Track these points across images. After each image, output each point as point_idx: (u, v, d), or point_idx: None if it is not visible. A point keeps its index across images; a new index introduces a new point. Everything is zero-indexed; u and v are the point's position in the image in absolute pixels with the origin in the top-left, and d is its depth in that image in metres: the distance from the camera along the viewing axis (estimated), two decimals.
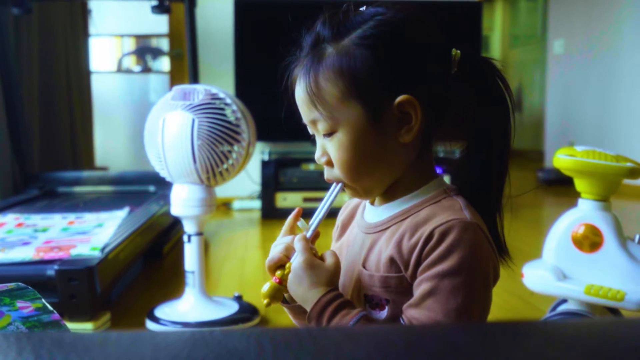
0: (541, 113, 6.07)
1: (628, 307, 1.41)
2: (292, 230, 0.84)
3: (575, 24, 5.21)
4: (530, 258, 1.58)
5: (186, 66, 3.39)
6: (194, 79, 3.15)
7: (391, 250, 0.75)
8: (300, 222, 0.83)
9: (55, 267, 1.73)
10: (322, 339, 0.36)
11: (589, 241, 1.46)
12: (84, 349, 0.34)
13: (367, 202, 0.84)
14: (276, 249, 0.82)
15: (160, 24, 4.73)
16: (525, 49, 7.47)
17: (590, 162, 1.42)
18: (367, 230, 0.81)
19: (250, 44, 3.82)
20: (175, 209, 1.84)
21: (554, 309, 1.57)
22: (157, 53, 5.36)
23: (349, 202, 0.86)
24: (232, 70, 3.87)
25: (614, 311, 1.52)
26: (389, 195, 0.80)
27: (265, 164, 3.72)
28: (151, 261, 2.64)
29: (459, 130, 0.82)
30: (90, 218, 2.44)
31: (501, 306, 1.91)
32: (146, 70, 5.35)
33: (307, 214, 0.82)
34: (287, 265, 0.79)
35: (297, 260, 0.77)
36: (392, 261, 0.75)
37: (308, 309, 0.76)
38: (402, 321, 0.73)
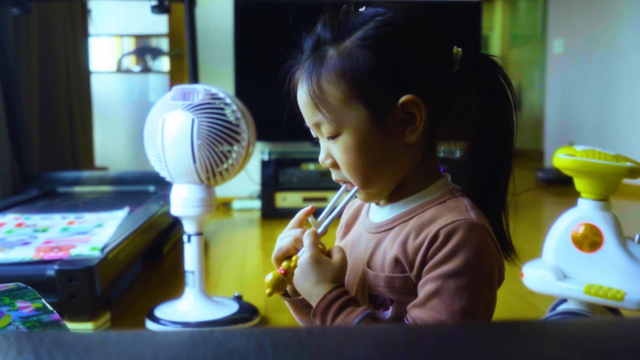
0: (541, 113, 6.07)
1: (628, 307, 1.41)
2: (301, 224, 0.83)
3: (575, 24, 5.21)
4: (530, 258, 1.58)
5: (186, 66, 3.39)
6: (194, 78, 3.15)
7: (396, 251, 0.75)
8: (311, 218, 0.83)
9: (55, 267, 1.73)
10: (322, 339, 0.36)
11: (589, 241, 1.46)
12: (84, 349, 0.34)
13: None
14: (284, 241, 0.81)
15: (160, 24, 4.73)
16: (525, 49, 7.47)
17: (590, 162, 1.42)
18: (372, 230, 0.81)
19: (250, 44, 3.82)
20: (175, 209, 1.84)
21: (553, 308, 1.57)
22: (156, 53, 5.36)
23: (353, 201, 0.86)
24: (231, 70, 3.87)
25: (614, 311, 1.52)
26: (394, 196, 0.80)
27: (265, 164, 3.72)
28: (151, 261, 2.64)
29: (463, 129, 0.82)
30: (90, 218, 2.44)
31: (501, 306, 1.90)
32: (146, 70, 5.35)
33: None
34: (294, 257, 0.79)
35: (304, 256, 0.77)
36: (397, 261, 0.75)
37: (313, 305, 0.76)
38: (406, 321, 0.73)
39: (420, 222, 0.75)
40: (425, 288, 0.71)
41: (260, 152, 3.70)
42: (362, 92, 0.74)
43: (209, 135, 1.72)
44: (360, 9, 0.77)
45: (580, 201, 1.50)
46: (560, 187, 4.42)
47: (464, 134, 0.81)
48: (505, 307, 1.90)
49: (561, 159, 1.47)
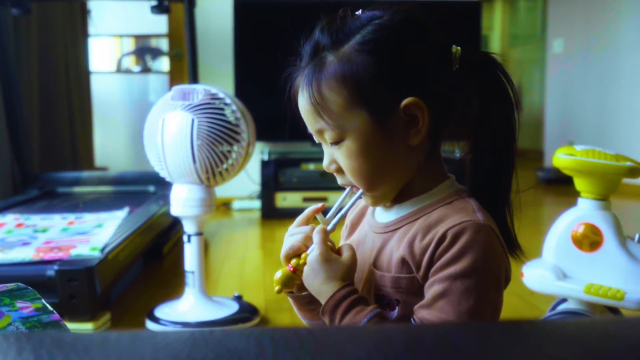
0: (541, 112, 6.07)
1: (628, 306, 1.41)
2: (309, 222, 0.83)
3: (574, 24, 5.21)
4: (530, 257, 1.58)
5: (186, 66, 3.39)
6: (194, 79, 3.15)
7: (403, 251, 0.75)
8: (319, 216, 0.83)
9: (55, 267, 1.73)
10: (322, 339, 0.36)
11: (589, 240, 1.46)
12: (84, 349, 0.34)
13: None
14: (294, 238, 0.81)
15: (159, 24, 4.73)
16: (525, 49, 7.47)
17: (590, 162, 1.42)
18: (378, 230, 0.81)
19: (250, 44, 3.82)
20: (175, 209, 1.84)
21: (553, 308, 1.57)
22: (156, 53, 5.36)
23: (359, 201, 0.86)
24: (231, 70, 3.87)
25: (614, 310, 1.52)
26: (400, 197, 0.80)
27: (265, 164, 3.72)
28: (151, 261, 2.64)
29: (465, 128, 0.81)
30: (90, 218, 2.44)
31: None
32: (146, 70, 5.35)
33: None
34: (303, 255, 0.79)
35: (313, 253, 0.77)
36: (403, 262, 0.75)
37: (322, 302, 0.75)
38: (413, 322, 0.73)
39: (428, 222, 0.75)
40: (432, 289, 0.71)
41: (260, 152, 3.70)
42: (363, 97, 0.74)
43: (208, 135, 1.72)
44: (356, 13, 0.77)
45: (580, 201, 1.50)
46: (560, 187, 4.42)
47: (466, 133, 0.81)
48: (505, 307, 1.90)
49: (561, 158, 1.47)
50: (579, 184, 1.49)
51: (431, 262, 0.72)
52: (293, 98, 0.79)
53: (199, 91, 1.78)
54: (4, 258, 1.83)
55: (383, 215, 0.82)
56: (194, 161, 1.73)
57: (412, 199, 0.79)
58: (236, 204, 4.06)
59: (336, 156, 0.77)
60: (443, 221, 0.73)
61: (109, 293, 1.94)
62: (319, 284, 0.76)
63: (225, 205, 4.03)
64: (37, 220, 2.41)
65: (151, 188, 3.19)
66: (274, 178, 3.70)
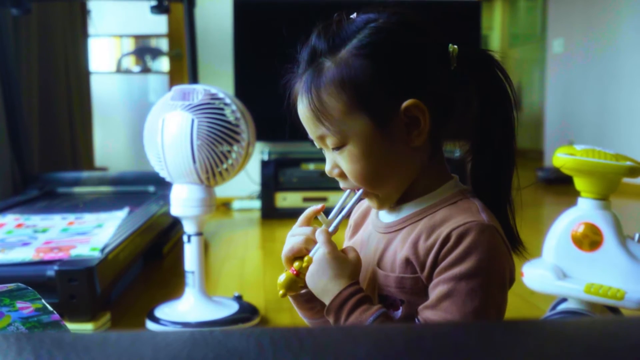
0: (540, 112, 6.07)
1: (628, 306, 1.41)
2: (309, 223, 0.83)
3: (574, 23, 5.21)
4: (530, 257, 1.58)
5: (185, 66, 3.39)
6: (194, 79, 3.15)
7: (407, 251, 0.75)
8: (320, 216, 0.83)
9: (55, 267, 1.73)
10: (322, 339, 0.36)
11: (589, 240, 1.46)
12: (84, 349, 0.34)
13: None
14: (294, 239, 0.81)
15: (159, 24, 4.73)
16: (525, 48, 7.48)
17: (590, 161, 1.42)
18: (382, 230, 0.81)
19: (250, 44, 3.82)
20: (175, 209, 1.84)
21: (554, 307, 1.57)
22: (156, 53, 5.36)
23: (361, 201, 0.86)
24: (231, 70, 3.87)
25: (614, 310, 1.52)
26: (404, 198, 0.80)
27: (264, 164, 3.72)
28: (151, 261, 2.64)
29: (465, 127, 0.81)
30: (90, 218, 2.44)
31: None
32: (145, 70, 5.34)
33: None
34: (306, 258, 0.79)
35: (320, 251, 0.77)
36: (407, 262, 0.75)
37: (328, 300, 0.75)
38: (417, 322, 0.73)
39: (432, 222, 0.75)
40: (437, 290, 0.71)
41: (260, 152, 3.70)
42: (363, 102, 0.73)
43: (208, 135, 1.72)
44: (351, 16, 0.77)
45: (580, 200, 1.50)
46: (560, 187, 4.42)
47: (466, 132, 0.81)
48: None
49: (561, 158, 1.47)
50: (579, 183, 1.49)
51: (435, 263, 0.72)
52: (292, 105, 0.79)
53: (199, 91, 1.78)
54: (4, 258, 1.83)
55: (387, 216, 0.82)
56: (194, 161, 1.73)
57: (416, 200, 0.79)
58: (236, 204, 4.06)
59: (338, 161, 0.77)
60: (447, 221, 0.73)
61: (109, 293, 1.94)
62: (326, 282, 0.76)
63: (225, 205, 4.03)
64: (37, 220, 2.41)
65: (151, 188, 3.19)
66: (274, 178, 3.70)
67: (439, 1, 4.07)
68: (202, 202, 1.82)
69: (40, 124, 3.76)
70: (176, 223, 2.78)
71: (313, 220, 0.83)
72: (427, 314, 0.72)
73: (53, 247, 1.92)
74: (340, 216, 0.81)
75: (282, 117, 0.81)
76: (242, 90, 3.68)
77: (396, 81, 0.74)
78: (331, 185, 0.81)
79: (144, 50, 5.39)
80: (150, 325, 1.85)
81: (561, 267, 1.49)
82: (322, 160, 0.81)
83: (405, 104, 0.73)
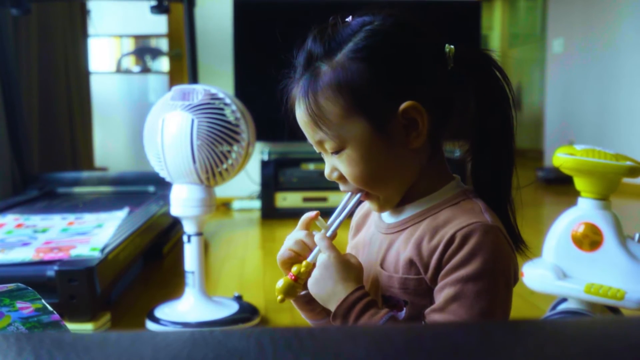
0: (540, 112, 6.07)
1: (628, 306, 1.41)
2: (307, 228, 0.83)
3: (574, 23, 5.21)
4: (532, 256, 1.58)
5: (185, 66, 3.39)
6: (193, 79, 3.15)
7: (410, 252, 0.75)
8: (319, 221, 0.83)
9: (55, 267, 1.73)
10: (322, 339, 0.36)
11: (589, 240, 1.46)
12: (84, 350, 0.34)
13: None
14: (287, 243, 0.81)
15: (159, 24, 4.73)
16: (525, 48, 7.48)
17: (590, 161, 1.42)
18: (384, 231, 0.81)
19: (250, 44, 3.82)
20: (175, 209, 1.84)
21: (554, 307, 1.57)
22: (156, 53, 5.36)
23: (363, 202, 0.86)
24: (231, 70, 3.87)
25: (614, 310, 1.52)
26: (405, 199, 0.79)
27: (264, 164, 3.72)
28: (151, 261, 2.64)
29: (464, 127, 0.81)
30: (89, 218, 2.44)
31: None
32: (145, 70, 5.34)
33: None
34: (304, 263, 0.78)
35: (325, 256, 0.76)
36: (411, 263, 0.75)
37: (334, 305, 0.75)
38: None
39: (435, 223, 0.75)
40: (443, 292, 0.71)
41: (260, 152, 3.70)
42: (361, 105, 0.73)
43: (208, 135, 1.72)
44: (347, 19, 0.77)
45: (580, 200, 1.50)
46: (560, 187, 4.42)
47: (465, 132, 0.81)
48: None
49: (561, 158, 1.47)
50: (579, 183, 1.49)
51: (440, 264, 0.72)
52: (290, 110, 0.79)
53: (199, 91, 1.78)
54: (4, 258, 1.83)
55: (389, 216, 0.82)
56: (194, 161, 1.73)
57: (418, 200, 0.79)
58: (236, 204, 4.06)
59: (337, 165, 0.77)
60: (451, 222, 0.73)
61: (109, 293, 1.94)
62: (333, 286, 0.75)
63: (225, 205, 4.03)
64: (37, 220, 2.41)
65: (151, 188, 3.19)
66: (274, 178, 3.70)
67: (439, 1, 4.07)
68: (202, 202, 1.82)
69: (40, 124, 3.76)
70: (176, 223, 2.78)
71: (312, 225, 0.83)
72: (435, 317, 0.72)
73: (53, 247, 1.92)
74: (338, 221, 0.81)
75: (282, 117, 0.81)
76: (242, 90, 3.68)
77: (393, 83, 0.74)
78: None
79: (143, 50, 5.39)
80: (150, 325, 1.85)
81: (561, 267, 1.49)
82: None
83: (403, 106, 0.73)
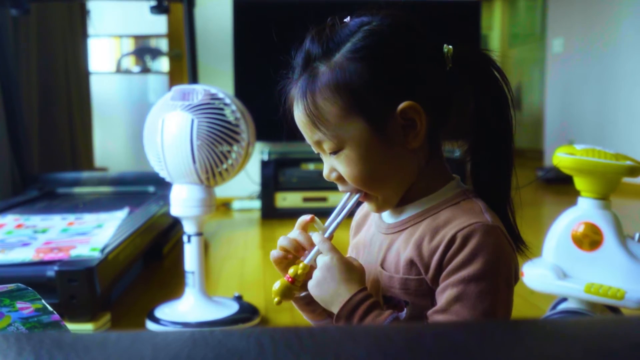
0: (540, 112, 6.07)
1: (628, 306, 1.41)
2: (304, 228, 0.83)
3: (574, 23, 5.21)
4: (532, 255, 1.58)
5: (185, 66, 3.39)
6: (193, 79, 3.15)
7: (410, 252, 0.75)
8: (316, 223, 0.83)
9: (55, 268, 1.73)
10: (322, 339, 0.36)
11: (589, 240, 1.46)
12: (84, 350, 0.34)
13: None
14: (280, 241, 0.81)
15: (159, 24, 4.73)
16: (525, 48, 7.47)
17: (590, 161, 1.42)
18: (384, 231, 0.81)
19: (249, 44, 3.82)
20: (175, 210, 1.84)
21: (554, 307, 1.57)
22: (156, 53, 5.36)
23: (363, 203, 0.86)
24: (231, 70, 3.87)
25: (614, 309, 1.52)
26: (405, 199, 0.79)
27: (264, 164, 3.72)
28: (151, 262, 2.64)
29: (463, 126, 0.81)
30: (89, 219, 2.44)
31: None
32: (145, 70, 5.35)
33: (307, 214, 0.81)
34: (301, 265, 0.78)
35: (328, 258, 0.76)
36: (411, 263, 0.75)
37: (337, 307, 0.75)
38: None
39: (435, 224, 0.74)
40: (445, 293, 0.71)
41: (260, 152, 3.70)
42: (359, 105, 0.73)
43: (208, 135, 1.72)
44: (345, 20, 0.77)
45: (580, 200, 1.50)
46: (560, 186, 4.42)
47: (464, 131, 0.80)
48: None
49: (561, 157, 1.47)
50: (579, 183, 1.49)
51: (441, 265, 0.72)
52: (288, 111, 0.79)
53: (199, 91, 1.78)
54: (4, 259, 1.83)
55: (389, 216, 0.82)
56: (194, 161, 1.73)
57: (418, 200, 0.78)
58: (236, 204, 4.06)
59: (336, 165, 0.77)
60: (451, 222, 0.73)
61: (109, 293, 1.94)
62: (337, 287, 0.75)
63: (225, 206, 4.03)
64: (37, 220, 2.41)
65: (151, 188, 3.19)
66: (274, 178, 3.70)
67: (439, 1, 4.07)
68: (202, 202, 1.82)
69: (40, 124, 3.76)
70: (176, 223, 2.78)
71: (310, 227, 0.83)
72: (437, 318, 0.72)
73: (53, 247, 1.92)
74: (336, 222, 0.81)
75: (280, 118, 0.81)
76: (242, 90, 3.68)
77: (391, 84, 0.74)
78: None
79: (143, 51, 5.39)
80: (150, 325, 1.85)
81: (561, 267, 1.49)
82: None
83: (401, 106, 0.73)
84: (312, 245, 0.80)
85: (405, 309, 0.76)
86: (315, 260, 0.79)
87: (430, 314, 0.73)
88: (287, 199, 3.69)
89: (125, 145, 5.07)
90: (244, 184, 3.90)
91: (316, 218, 0.83)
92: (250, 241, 3.26)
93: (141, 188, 3.22)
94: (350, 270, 0.76)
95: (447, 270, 0.71)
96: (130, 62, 5.43)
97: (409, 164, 0.77)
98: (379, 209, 0.81)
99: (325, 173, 0.79)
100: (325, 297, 0.77)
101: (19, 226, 2.31)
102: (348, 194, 0.81)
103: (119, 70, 5.33)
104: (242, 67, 3.83)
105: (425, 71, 0.76)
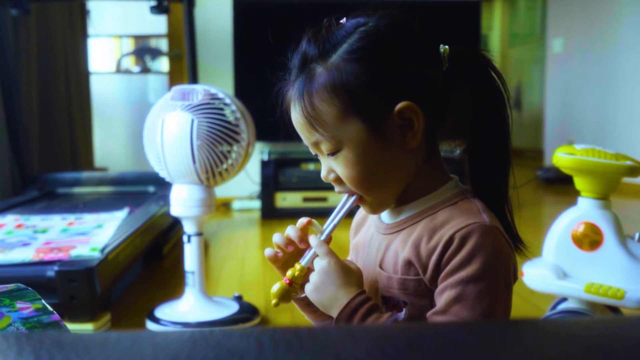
0: (540, 112, 6.07)
1: (628, 305, 1.41)
2: (302, 231, 0.83)
3: (574, 23, 5.21)
4: (531, 255, 1.58)
5: (185, 66, 3.39)
6: (193, 79, 3.15)
7: (408, 253, 0.75)
8: (314, 225, 0.83)
9: (55, 268, 1.73)
10: (322, 339, 0.36)
11: (589, 239, 1.46)
12: (84, 350, 0.34)
13: None
14: (274, 238, 0.82)
15: (159, 24, 4.73)
16: (525, 48, 7.48)
17: (590, 161, 1.42)
18: (383, 231, 0.81)
19: (249, 44, 3.81)
20: (175, 210, 1.84)
21: (554, 307, 1.57)
22: (156, 53, 5.36)
23: None
24: (231, 70, 3.87)
25: (614, 309, 1.52)
26: (404, 199, 0.79)
27: (264, 164, 3.72)
28: (151, 262, 2.64)
29: (461, 126, 0.81)
30: (89, 219, 2.44)
31: None
32: (145, 70, 5.35)
33: (306, 216, 0.81)
34: (298, 267, 0.79)
35: (326, 262, 0.76)
36: (409, 264, 0.75)
37: (336, 310, 0.75)
38: None
39: (433, 224, 0.74)
40: (444, 295, 0.71)
41: (259, 152, 3.70)
42: (356, 106, 0.73)
43: (208, 135, 1.72)
44: (341, 21, 0.77)
45: (580, 200, 1.50)
46: (560, 186, 4.42)
47: (463, 130, 0.80)
48: None
49: (561, 157, 1.47)
50: (579, 183, 1.49)
51: (439, 265, 0.72)
52: (285, 113, 0.79)
53: (199, 91, 1.78)
54: (4, 259, 1.83)
55: (388, 217, 0.82)
56: (194, 161, 1.73)
57: (416, 201, 0.78)
58: (236, 204, 4.06)
59: (333, 166, 0.77)
60: (449, 223, 0.73)
61: (109, 293, 1.94)
62: (335, 291, 0.75)
63: (225, 206, 4.03)
64: (37, 221, 2.41)
65: (151, 188, 3.19)
66: (274, 178, 3.70)
67: (439, 1, 4.07)
68: (202, 202, 1.82)
69: (40, 124, 3.76)
70: (176, 223, 2.78)
71: (307, 230, 0.83)
72: (437, 319, 0.72)
73: (53, 247, 1.92)
74: (332, 224, 0.81)
75: (279, 119, 0.81)
76: (242, 90, 3.68)
77: (388, 84, 0.74)
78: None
79: (143, 51, 5.39)
80: (150, 325, 1.85)
81: (561, 267, 1.49)
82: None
83: (398, 106, 0.73)
84: (305, 241, 0.80)
85: (404, 309, 0.76)
86: (312, 262, 0.79)
87: (430, 316, 0.73)
88: (287, 199, 3.69)
89: (125, 145, 5.07)
90: (244, 184, 3.90)
91: (314, 221, 0.83)
92: (250, 241, 3.26)
93: (141, 188, 3.22)
94: (348, 273, 0.76)
95: (445, 271, 0.71)
96: (130, 62, 5.43)
97: (407, 164, 0.77)
98: (375, 211, 0.81)
99: (323, 174, 0.79)
100: (324, 302, 0.77)
101: (19, 226, 2.31)
102: (346, 195, 0.81)
103: (119, 70, 5.33)
104: (242, 67, 3.83)
105: (422, 71, 0.76)
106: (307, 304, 0.83)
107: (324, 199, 3.62)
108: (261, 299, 2.05)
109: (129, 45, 5.42)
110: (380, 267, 0.78)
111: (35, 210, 2.72)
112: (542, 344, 0.35)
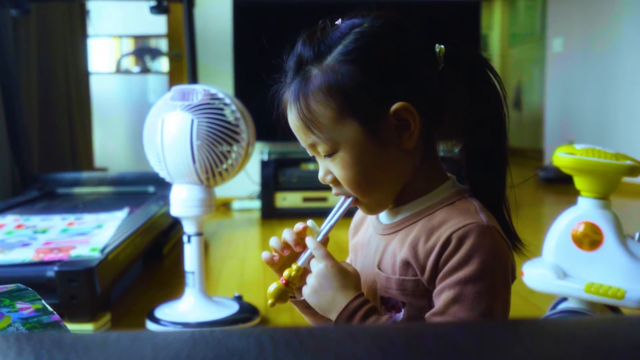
0: (540, 111, 6.07)
1: (628, 305, 1.41)
2: (300, 235, 0.83)
3: (574, 22, 5.21)
4: (530, 254, 1.58)
5: (185, 66, 3.39)
6: (193, 79, 3.15)
7: (406, 253, 0.75)
8: (311, 224, 0.83)
9: (55, 268, 1.73)
10: (322, 339, 0.36)
11: (589, 239, 1.46)
12: (84, 350, 0.34)
13: None
14: (271, 241, 0.82)
15: (158, 24, 4.73)
16: (524, 48, 7.48)
17: (590, 160, 1.42)
18: (381, 232, 0.81)
19: (249, 44, 3.82)
20: (175, 210, 1.84)
21: (554, 307, 1.57)
22: (155, 53, 5.36)
23: None
24: (231, 70, 3.87)
25: (614, 309, 1.52)
26: (401, 199, 0.79)
27: (264, 164, 3.72)
28: (151, 262, 2.64)
29: (458, 126, 0.81)
30: (89, 219, 2.44)
31: None
32: (145, 70, 5.35)
33: (305, 215, 0.81)
34: (295, 267, 0.79)
35: (323, 265, 0.76)
36: (407, 264, 0.75)
37: (335, 313, 0.75)
38: None
39: (430, 224, 0.74)
40: (443, 295, 0.71)
41: (259, 152, 3.70)
42: (352, 107, 0.73)
43: (208, 135, 1.72)
44: (336, 22, 0.77)
45: (580, 200, 1.50)
46: (560, 186, 4.42)
47: (459, 129, 0.80)
48: None
49: (561, 157, 1.47)
50: (579, 182, 1.49)
51: (436, 266, 0.72)
52: (282, 115, 0.79)
53: (199, 91, 1.78)
54: (4, 259, 1.83)
55: (386, 217, 0.82)
56: (194, 161, 1.73)
57: (414, 201, 0.78)
58: (236, 204, 4.06)
59: (330, 168, 0.77)
60: (446, 223, 0.73)
61: (109, 294, 1.94)
62: (333, 294, 0.75)
63: (225, 206, 4.03)
64: (37, 221, 2.41)
65: (151, 188, 3.19)
66: (274, 178, 3.70)
67: (439, 1, 4.07)
68: (202, 202, 1.82)
69: (40, 124, 3.76)
70: (176, 223, 2.78)
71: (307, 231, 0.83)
72: (436, 320, 0.72)
73: (53, 247, 1.92)
74: (328, 226, 0.81)
75: (276, 121, 0.81)
76: (242, 90, 3.68)
77: (383, 85, 0.74)
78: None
79: (143, 51, 5.39)
80: (150, 325, 1.85)
81: (561, 267, 1.49)
82: None
83: (394, 107, 0.73)
84: (302, 244, 0.80)
85: (402, 310, 0.76)
86: (309, 262, 0.79)
87: (428, 317, 0.73)
88: (287, 199, 3.69)
89: (125, 145, 5.07)
90: (244, 184, 3.90)
91: (310, 226, 0.83)
92: (250, 241, 3.26)
93: (141, 188, 3.22)
94: (346, 276, 0.76)
95: (443, 272, 0.71)
96: (130, 62, 5.43)
97: (404, 165, 0.77)
98: (372, 211, 0.81)
99: (320, 176, 0.79)
100: (322, 305, 0.77)
101: (19, 226, 2.31)
102: (343, 196, 0.81)
103: (118, 71, 5.33)
104: (242, 67, 3.83)
105: (418, 72, 0.76)
106: (306, 307, 0.83)
107: (324, 199, 3.62)
108: (261, 299, 2.05)
109: (129, 45, 5.42)
110: (379, 267, 0.78)
111: (35, 210, 2.72)
112: (542, 344, 0.35)
